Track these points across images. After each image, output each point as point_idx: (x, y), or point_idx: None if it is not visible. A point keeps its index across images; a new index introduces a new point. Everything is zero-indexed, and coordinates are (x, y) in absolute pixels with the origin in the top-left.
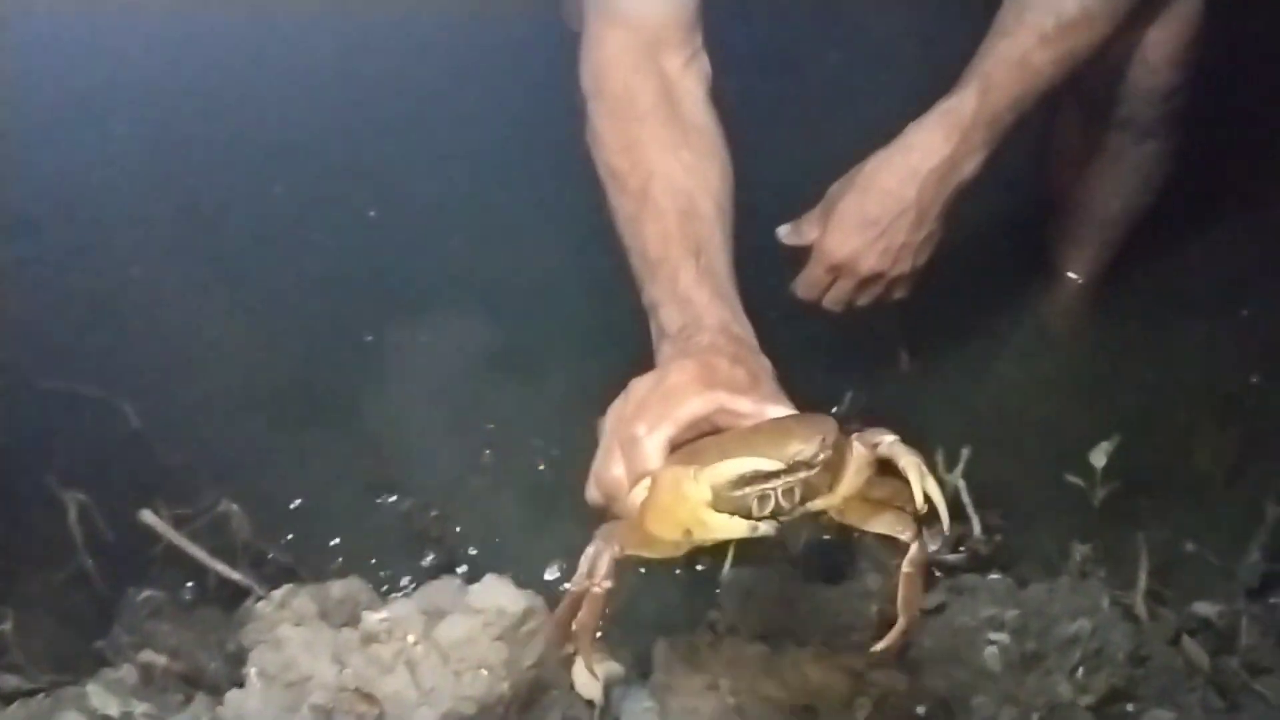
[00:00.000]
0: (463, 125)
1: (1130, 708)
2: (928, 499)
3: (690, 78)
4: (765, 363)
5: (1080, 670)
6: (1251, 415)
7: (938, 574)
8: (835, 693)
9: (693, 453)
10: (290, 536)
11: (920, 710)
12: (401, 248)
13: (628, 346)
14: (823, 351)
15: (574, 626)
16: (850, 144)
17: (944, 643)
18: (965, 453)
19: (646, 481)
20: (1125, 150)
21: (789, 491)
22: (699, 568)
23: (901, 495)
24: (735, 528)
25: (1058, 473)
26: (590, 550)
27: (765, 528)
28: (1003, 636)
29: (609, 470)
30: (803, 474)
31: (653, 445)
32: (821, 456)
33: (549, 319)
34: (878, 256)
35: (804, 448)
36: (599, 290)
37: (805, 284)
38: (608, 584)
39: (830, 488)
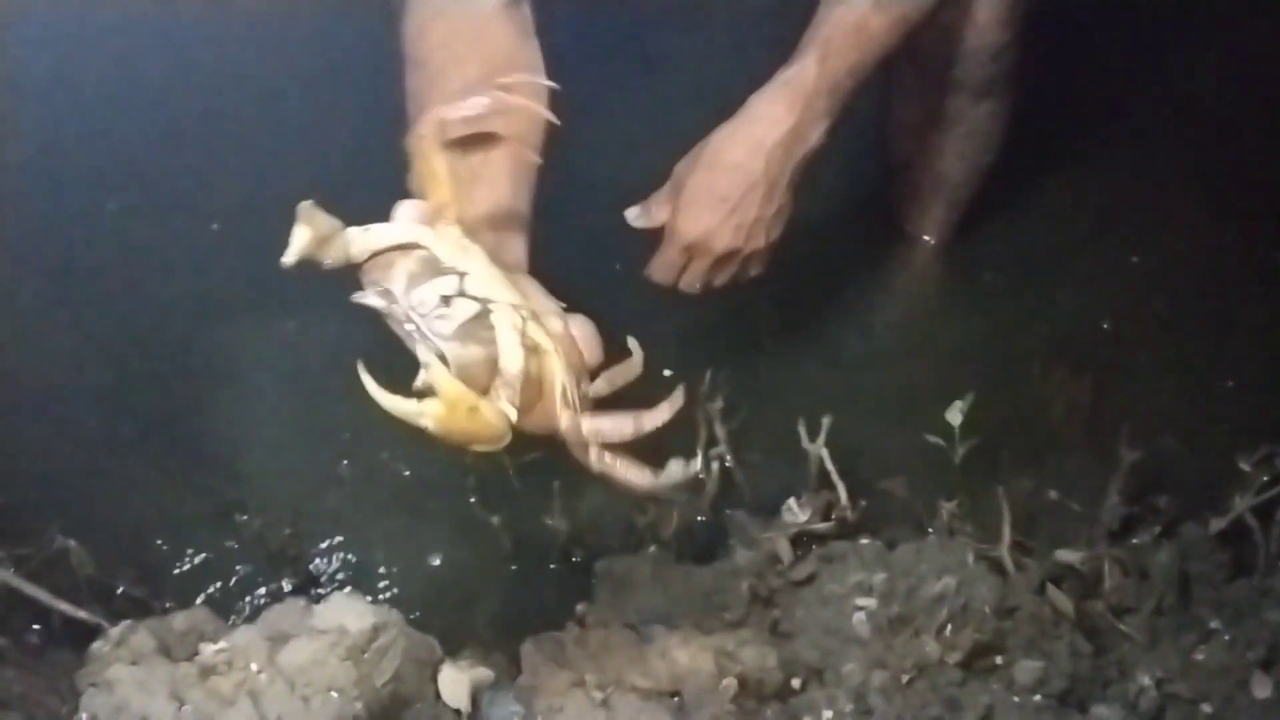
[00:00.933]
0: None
1: (999, 660)
2: None
3: (503, 13)
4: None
5: (948, 628)
6: (1103, 361)
7: (809, 542)
8: (703, 675)
9: None
10: (138, 567)
11: (793, 683)
12: (237, 252)
13: None
14: (681, 329)
15: None
16: (694, 117)
17: (814, 612)
18: (826, 421)
19: None
20: (963, 112)
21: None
22: (574, 559)
23: None
24: None
25: (920, 434)
26: None
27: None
28: (870, 601)
29: None
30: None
31: None
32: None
33: None
34: (731, 233)
35: None
36: None
37: (660, 266)
38: None
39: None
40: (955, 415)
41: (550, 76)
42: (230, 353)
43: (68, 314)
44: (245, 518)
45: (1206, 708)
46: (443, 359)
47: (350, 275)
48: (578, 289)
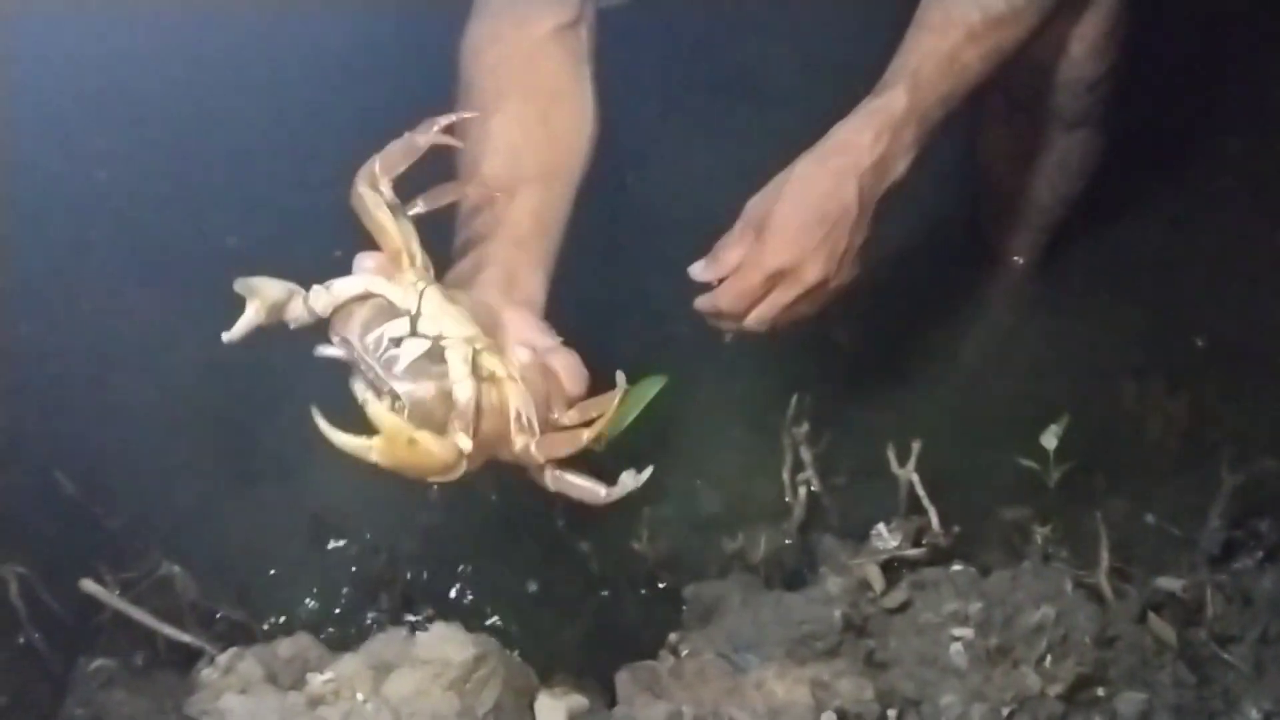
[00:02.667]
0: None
1: (1101, 692)
2: None
3: (555, 39)
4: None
5: (1048, 659)
6: (1201, 380)
7: (899, 568)
8: (800, 707)
9: None
10: (239, 592)
11: (889, 714)
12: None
13: None
14: (766, 356)
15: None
16: (760, 147)
17: (908, 642)
18: (916, 446)
19: None
20: (1054, 141)
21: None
22: (661, 584)
23: None
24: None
25: (1012, 457)
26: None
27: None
28: (967, 631)
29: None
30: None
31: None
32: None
33: None
34: (824, 263)
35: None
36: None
37: (731, 295)
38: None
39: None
40: (1050, 439)
41: (609, 101)
42: (326, 383)
43: (174, 344)
44: (342, 544)
45: None
46: (396, 397)
47: None
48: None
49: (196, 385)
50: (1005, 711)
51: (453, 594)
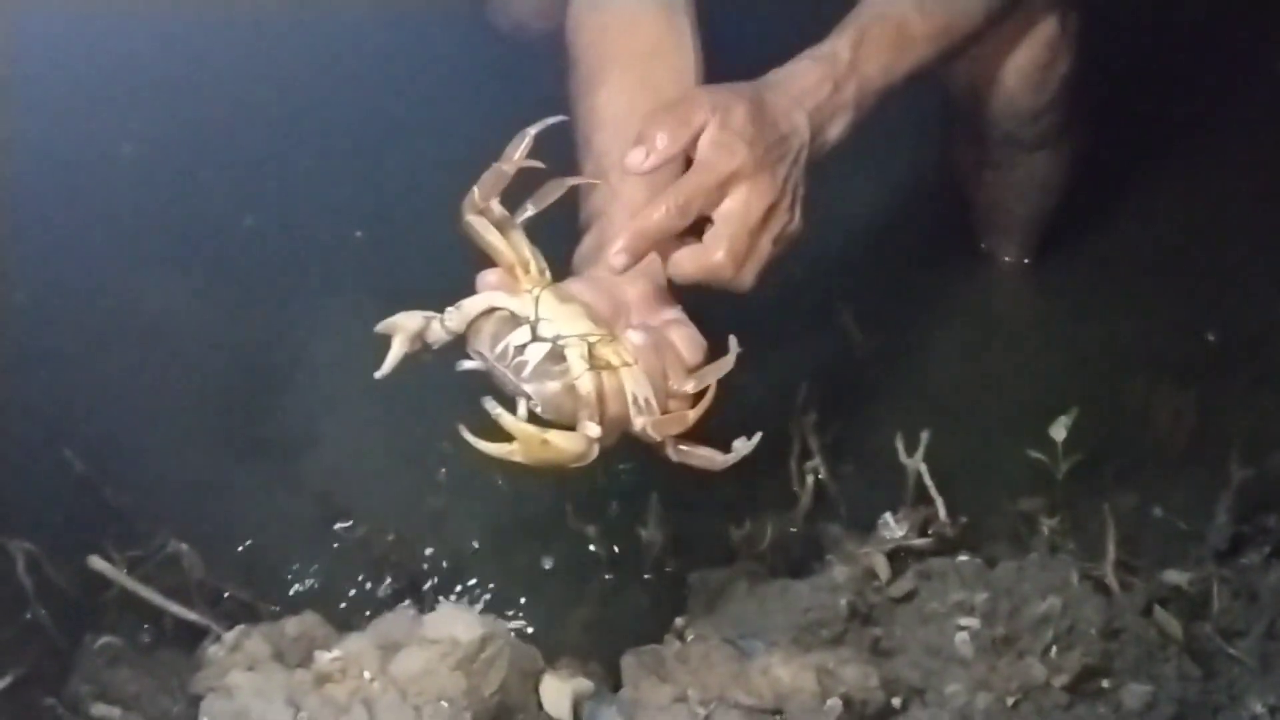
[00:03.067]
0: (454, 135)
1: (1106, 684)
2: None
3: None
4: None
5: (1053, 650)
6: (1210, 373)
7: (906, 558)
8: (806, 693)
9: None
10: (246, 570)
11: (894, 703)
12: (344, 263)
13: None
14: (775, 345)
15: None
16: None
17: (914, 631)
18: (925, 436)
19: None
20: (1018, 162)
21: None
22: (667, 569)
23: None
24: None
25: (1020, 449)
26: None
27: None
28: (973, 621)
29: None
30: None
31: None
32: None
33: None
34: (771, 178)
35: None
36: None
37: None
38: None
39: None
40: (1060, 430)
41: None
42: (334, 362)
43: (181, 322)
44: (349, 524)
45: None
46: (529, 397)
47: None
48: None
49: (206, 363)
50: (1010, 701)
51: (460, 576)
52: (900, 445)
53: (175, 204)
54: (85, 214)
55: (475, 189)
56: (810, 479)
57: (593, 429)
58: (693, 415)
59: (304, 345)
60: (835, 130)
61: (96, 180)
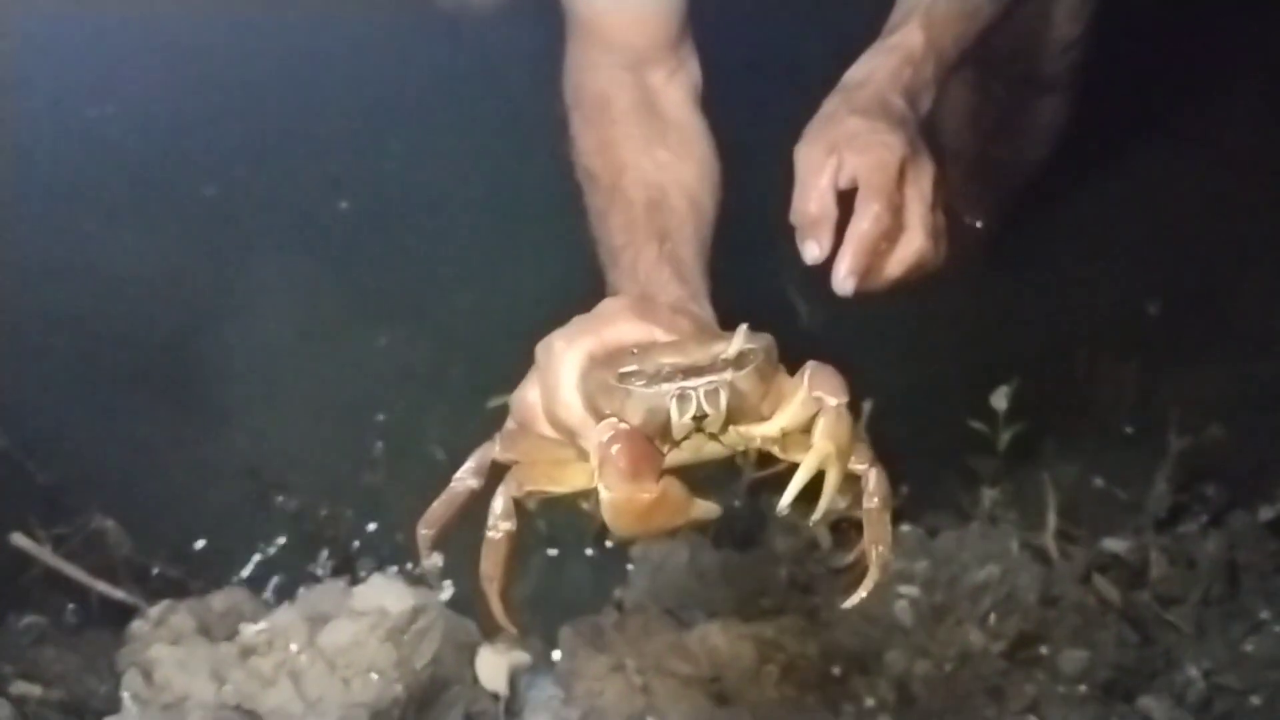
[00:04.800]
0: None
1: (1044, 650)
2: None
3: (674, 87)
4: (713, 326)
5: (991, 617)
6: (1150, 347)
7: (848, 528)
8: (744, 661)
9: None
10: (174, 547)
11: (834, 670)
12: (273, 236)
13: (527, 334)
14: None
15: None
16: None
17: None
18: (866, 406)
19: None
20: (1026, 104)
21: (712, 394)
22: (608, 544)
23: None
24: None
25: (963, 419)
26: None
27: (688, 447)
28: (913, 589)
29: (524, 394)
30: (726, 374)
31: (569, 356)
32: (748, 357)
33: (440, 305)
34: (917, 156)
35: (726, 346)
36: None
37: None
38: (506, 526)
39: (767, 415)
40: (1000, 400)
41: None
42: (266, 338)
43: (105, 300)
44: (282, 499)
45: (1255, 699)
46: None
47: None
48: None
49: (136, 337)
50: (948, 668)
51: (397, 552)
52: None
53: (124, 174)
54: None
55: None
56: (753, 452)
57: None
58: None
59: (237, 320)
60: (924, 106)
61: (23, 154)
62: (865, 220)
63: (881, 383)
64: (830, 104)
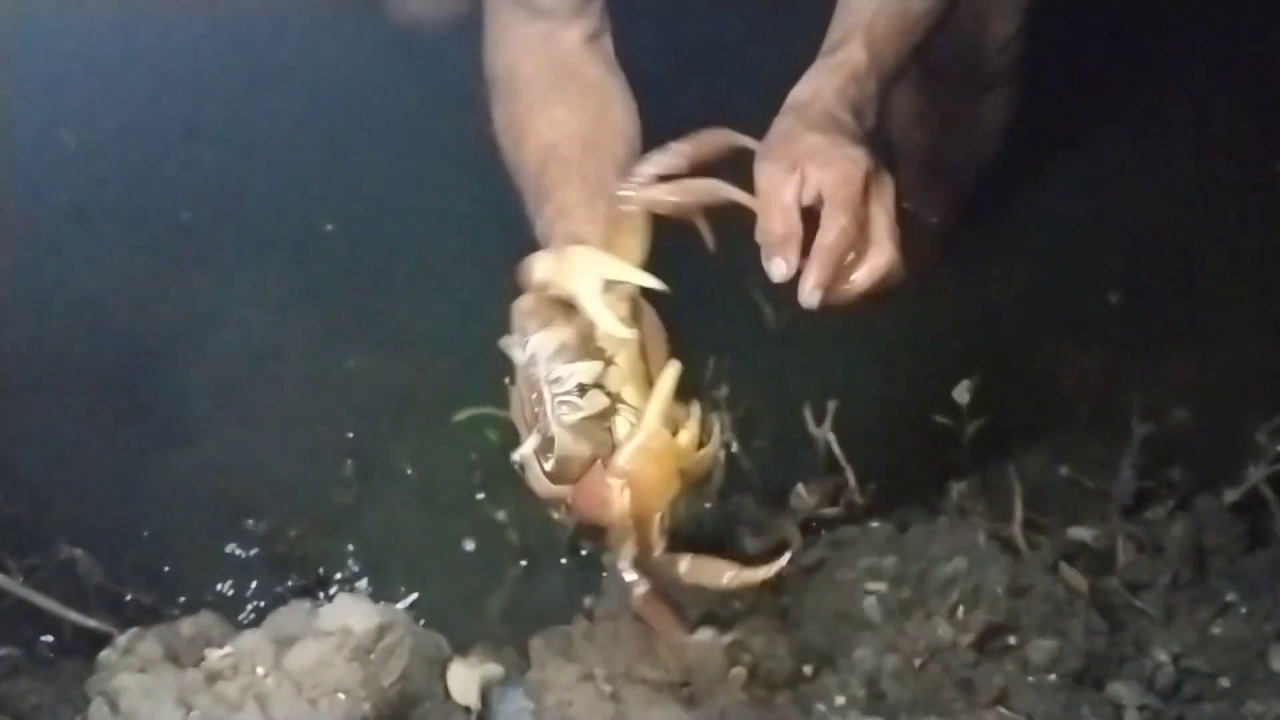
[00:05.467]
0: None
1: (1012, 640)
2: None
3: (583, 44)
4: None
5: (960, 610)
6: (1113, 335)
7: (818, 527)
8: (713, 665)
9: None
10: (146, 574)
11: (805, 670)
12: (239, 258)
13: (495, 353)
14: (685, 318)
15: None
16: None
17: (824, 598)
18: (832, 405)
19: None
20: (968, 103)
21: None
22: (581, 552)
23: None
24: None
25: (928, 414)
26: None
27: None
28: (881, 585)
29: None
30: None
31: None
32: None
33: (408, 317)
34: (879, 168)
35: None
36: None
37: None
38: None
39: None
40: (963, 394)
41: None
42: (233, 358)
43: (70, 322)
44: (251, 522)
45: (1224, 682)
46: (545, 434)
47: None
48: None
49: (100, 363)
50: (917, 662)
51: (371, 569)
52: (809, 415)
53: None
54: None
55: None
56: (722, 454)
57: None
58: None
59: (203, 343)
60: (869, 121)
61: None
62: (831, 234)
63: (846, 381)
64: (784, 122)
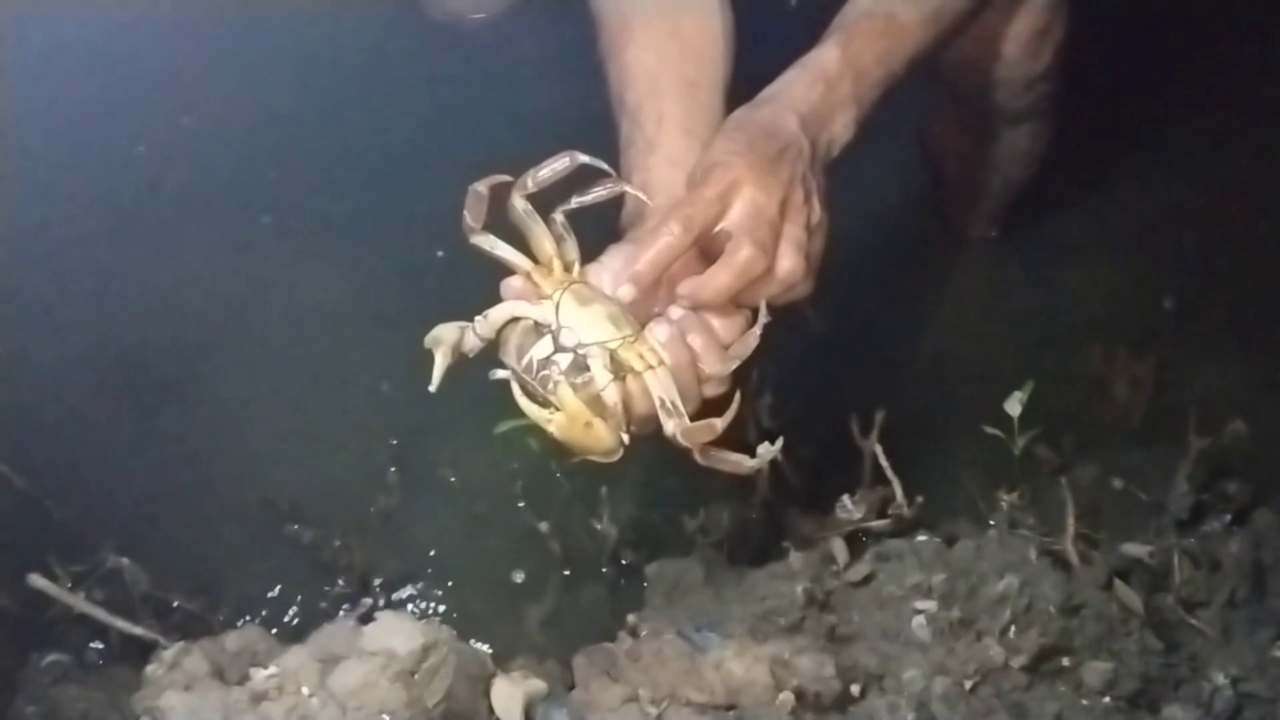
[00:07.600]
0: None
1: (1066, 662)
2: None
3: None
4: None
5: (1011, 630)
6: (1167, 343)
7: (865, 540)
8: (759, 686)
9: None
10: (193, 581)
11: (853, 690)
12: (286, 263)
13: None
14: None
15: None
16: None
17: (871, 616)
18: (879, 416)
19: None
20: (1001, 134)
21: None
22: (624, 561)
23: None
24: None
25: (977, 425)
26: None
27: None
28: (930, 604)
29: None
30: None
31: None
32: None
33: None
34: (775, 177)
35: None
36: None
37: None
38: None
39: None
40: (1014, 406)
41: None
42: (278, 366)
43: (114, 335)
44: (296, 528)
45: None
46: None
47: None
48: None
49: (148, 373)
50: (968, 685)
51: (412, 578)
52: (855, 426)
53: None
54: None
55: (465, 215)
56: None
57: (624, 437)
58: (721, 424)
59: (250, 353)
60: (839, 127)
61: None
62: (653, 236)
63: (895, 391)
64: (733, 119)
